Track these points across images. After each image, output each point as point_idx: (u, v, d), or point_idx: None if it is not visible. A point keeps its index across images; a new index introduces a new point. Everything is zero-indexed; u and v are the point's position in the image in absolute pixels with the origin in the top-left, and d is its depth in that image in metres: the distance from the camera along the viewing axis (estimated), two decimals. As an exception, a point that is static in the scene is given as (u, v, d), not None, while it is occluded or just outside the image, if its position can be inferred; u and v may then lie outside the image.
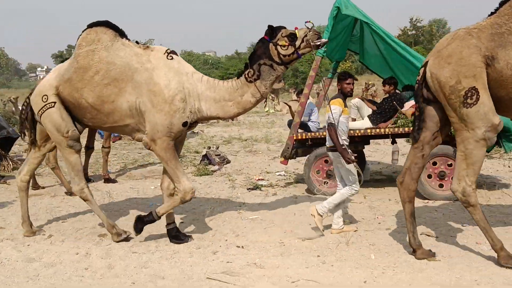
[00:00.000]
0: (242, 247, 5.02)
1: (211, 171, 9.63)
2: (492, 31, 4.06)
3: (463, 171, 4.19)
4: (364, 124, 7.32)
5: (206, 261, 4.63)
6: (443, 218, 5.83)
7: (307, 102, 7.64)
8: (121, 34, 5.13)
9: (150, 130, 4.88)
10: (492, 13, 4.21)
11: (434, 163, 6.78)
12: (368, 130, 7.08)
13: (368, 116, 7.41)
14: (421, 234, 5.02)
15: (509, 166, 8.80)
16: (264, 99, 5.59)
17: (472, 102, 3.99)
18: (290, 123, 7.85)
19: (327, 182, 7.25)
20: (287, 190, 7.85)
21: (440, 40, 4.48)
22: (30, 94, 5.50)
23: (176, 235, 5.27)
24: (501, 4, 4.17)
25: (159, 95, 4.81)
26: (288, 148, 7.40)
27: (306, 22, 4.91)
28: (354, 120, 7.87)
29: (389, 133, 7.08)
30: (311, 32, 4.80)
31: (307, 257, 4.63)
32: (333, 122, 5.09)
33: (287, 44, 4.79)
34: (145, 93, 4.84)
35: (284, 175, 9.15)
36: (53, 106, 5.11)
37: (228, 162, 10.49)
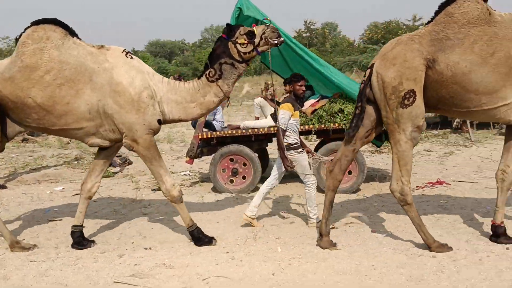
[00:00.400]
0: (150, 248, 4.93)
1: (112, 173, 9.31)
2: (431, 37, 4.46)
3: (398, 172, 4.54)
4: (267, 122, 7.52)
5: (113, 265, 4.49)
6: (342, 210, 6.20)
7: (211, 101, 7.66)
8: (71, 32, 4.80)
9: (127, 131, 4.73)
10: (429, 22, 4.63)
11: (332, 159, 7.18)
12: (271, 128, 7.30)
13: (271, 115, 7.62)
14: (323, 226, 5.31)
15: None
16: (227, 99, 5.48)
17: (409, 104, 4.38)
18: (194, 123, 7.84)
19: (233, 181, 7.37)
20: (193, 189, 7.84)
21: (385, 45, 4.84)
22: None
23: (78, 241, 5.03)
24: (436, 14, 4.58)
25: (123, 95, 4.65)
26: (193, 147, 7.39)
27: (263, 19, 4.85)
28: (257, 118, 8.06)
29: (291, 131, 7.35)
30: (269, 30, 4.83)
31: (216, 254, 4.68)
32: (281, 126, 5.28)
33: (246, 42, 4.79)
34: (108, 94, 4.65)
35: (189, 174, 9.12)
36: None
37: (130, 163, 10.19)
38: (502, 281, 3.86)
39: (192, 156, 7.47)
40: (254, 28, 4.87)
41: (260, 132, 7.29)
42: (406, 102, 4.37)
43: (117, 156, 9.98)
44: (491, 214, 5.02)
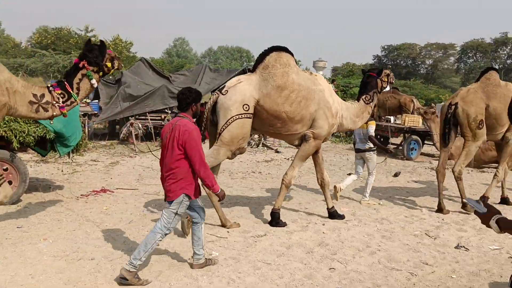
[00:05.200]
0: None
1: None
2: (482, 91, 7.59)
3: (462, 161, 7.57)
4: None
5: None
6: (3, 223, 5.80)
7: None
8: (294, 60, 6.28)
9: (317, 132, 6.33)
10: (477, 80, 7.86)
11: (-11, 168, 6.61)
12: None
13: None
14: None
15: (62, 170, 9.48)
16: None
17: (481, 127, 7.48)
18: None
19: None
20: None
21: (461, 91, 7.79)
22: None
23: (337, 214, 6.84)
24: (480, 76, 7.86)
25: (329, 111, 6.33)
26: None
27: (388, 67, 6.51)
28: None
29: None
30: (391, 74, 7.30)
31: None
32: (372, 134, 7.85)
33: (386, 81, 7.13)
34: (321, 107, 6.26)
35: None
36: (250, 117, 5.88)
37: None
38: (151, 273, 4.46)
39: None
40: (388, 72, 7.21)
41: None
42: (480, 126, 7.45)
43: None
44: (150, 214, 5.64)
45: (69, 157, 8.62)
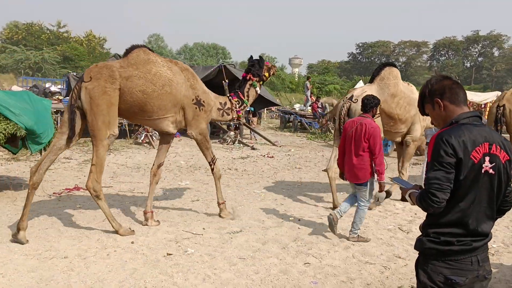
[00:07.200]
0: None
1: None
2: None
3: None
4: None
5: None
6: (-32, 222, 5.65)
7: None
8: None
9: (415, 135, 7.81)
10: None
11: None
12: None
13: None
14: None
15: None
16: None
17: None
18: None
19: None
20: None
21: (506, 94, 8.87)
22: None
23: None
24: None
25: (418, 111, 8.05)
26: None
27: None
28: None
29: None
30: None
31: None
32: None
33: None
34: (414, 110, 7.44)
35: None
36: (377, 118, 6.75)
37: None
38: (125, 270, 4.41)
39: None
40: None
41: None
42: None
43: None
44: (125, 213, 5.58)
45: (41, 154, 8.44)
